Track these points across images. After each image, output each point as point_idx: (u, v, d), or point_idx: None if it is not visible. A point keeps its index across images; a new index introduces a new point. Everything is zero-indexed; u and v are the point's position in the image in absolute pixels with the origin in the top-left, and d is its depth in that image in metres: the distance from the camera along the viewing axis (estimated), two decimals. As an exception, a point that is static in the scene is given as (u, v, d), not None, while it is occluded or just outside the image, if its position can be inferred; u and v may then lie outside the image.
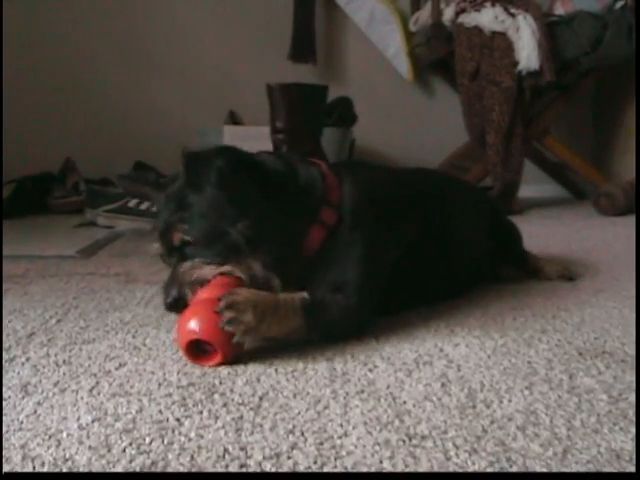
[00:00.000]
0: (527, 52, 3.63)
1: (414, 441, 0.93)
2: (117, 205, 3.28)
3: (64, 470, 0.86)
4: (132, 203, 3.26)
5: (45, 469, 0.86)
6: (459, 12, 3.86)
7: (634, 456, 0.89)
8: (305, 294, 1.31)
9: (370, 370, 1.21)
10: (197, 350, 1.22)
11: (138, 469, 0.86)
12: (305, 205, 1.43)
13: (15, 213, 3.59)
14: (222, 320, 1.19)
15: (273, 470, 0.85)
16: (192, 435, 0.95)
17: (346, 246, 1.41)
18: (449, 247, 1.71)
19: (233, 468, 0.86)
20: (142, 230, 3.15)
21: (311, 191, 1.45)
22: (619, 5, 3.91)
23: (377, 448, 0.91)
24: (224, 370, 1.21)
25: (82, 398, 1.09)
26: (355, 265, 1.41)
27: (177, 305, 1.32)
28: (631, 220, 3.45)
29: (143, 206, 3.24)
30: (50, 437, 0.95)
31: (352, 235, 1.43)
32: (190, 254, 1.34)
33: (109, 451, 0.90)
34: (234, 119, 4.36)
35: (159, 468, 0.86)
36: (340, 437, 0.94)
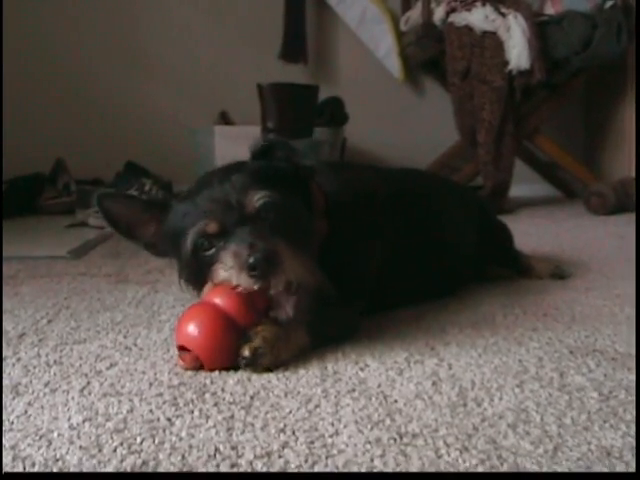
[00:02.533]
0: (518, 51, 3.64)
1: (405, 439, 0.93)
2: (108, 205, 3.27)
3: (54, 470, 0.86)
4: (123, 203, 3.25)
5: (36, 469, 0.86)
6: (450, 11, 3.87)
7: (624, 453, 0.89)
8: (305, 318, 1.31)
9: (361, 369, 1.21)
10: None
11: (129, 469, 0.86)
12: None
13: (6, 214, 3.58)
14: (241, 360, 1.20)
15: (264, 469, 0.85)
16: (183, 434, 0.95)
17: (338, 256, 1.40)
18: (436, 246, 1.72)
19: (224, 467, 0.86)
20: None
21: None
22: (609, 5, 3.93)
23: (368, 447, 0.91)
24: (215, 370, 1.21)
25: (73, 398, 1.09)
26: (350, 273, 1.42)
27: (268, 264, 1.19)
28: (621, 219, 3.47)
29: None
30: (41, 437, 0.94)
31: (343, 245, 1.43)
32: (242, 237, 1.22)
33: (100, 451, 0.90)
34: (225, 119, 4.36)
35: (150, 468, 0.86)
36: (331, 436, 0.94)
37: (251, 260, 1.16)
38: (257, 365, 1.20)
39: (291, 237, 1.24)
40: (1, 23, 4.36)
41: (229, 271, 1.20)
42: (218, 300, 1.23)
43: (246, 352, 1.20)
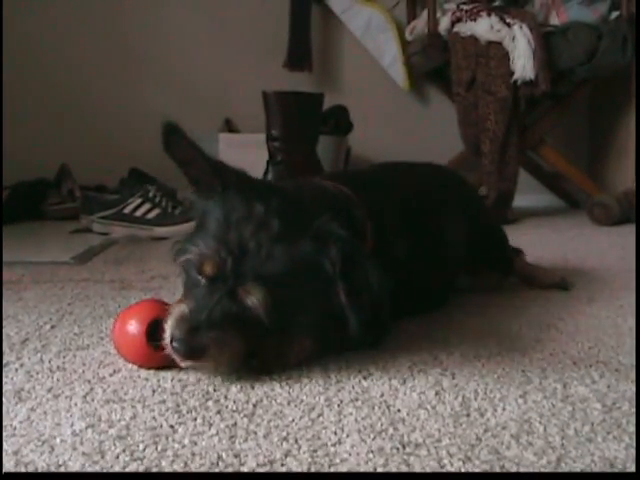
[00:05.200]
0: (523, 62, 3.64)
1: (408, 449, 0.93)
2: (112, 212, 3.28)
3: (57, 476, 0.86)
4: (127, 209, 3.26)
5: (38, 475, 0.86)
6: (455, 21, 3.88)
7: (627, 465, 0.89)
8: None
9: (364, 378, 1.21)
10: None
11: (131, 476, 0.86)
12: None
13: (10, 219, 3.58)
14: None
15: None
16: (186, 442, 0.95)
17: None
18: (437, 255, 1.71)
19: (227, 475, 0.86)
20: (137, 237, 3.15)
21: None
22: (614, 16, 3.93)
23: (371, 456, 0.91)
24: (218, 377, 1.21)
25: (76, 404, 1.09)
26: (377, 287, 1.41)
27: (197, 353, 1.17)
28: (625, 230, 3.46)
29: (138, 212, 3.24)
30: (43, 443, 0.94)
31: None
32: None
33: (102, 457, 0.90)
34: (230, 126, 4.36)
35: (153, 475, 0.86)
36: (334, 445, 0.94)
37: (174, 344, 1.16)
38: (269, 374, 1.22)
39: (250, 331, 1.20)
40: (2, 28, 4.37)
41: (169, 325, 1.19)
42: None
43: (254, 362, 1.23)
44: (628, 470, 0.88)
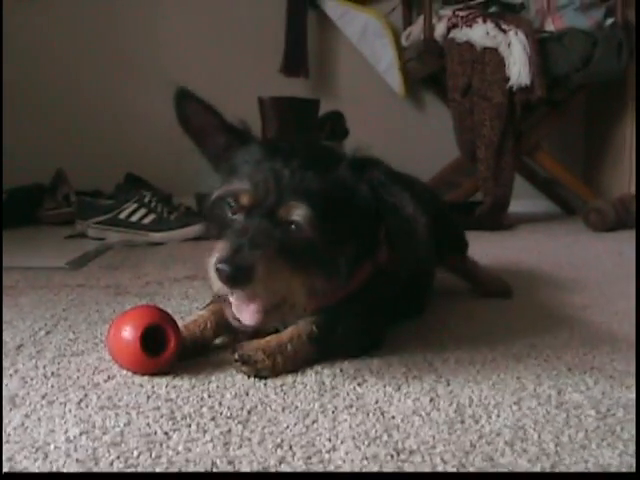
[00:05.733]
0: (518, 68, 3.65)
1: (402, 456, 0.93)
2: (108, 217, 3.28)
3: (51, 483, 0.86)
4: (123, 215, 3.26)
5: (32, 482, 0.86)
6: (451, 27, 3.89)
7: (621, 471, 0.89)
8: (310, 324, 1.31)
9: (359, 384, 1.21)
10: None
11: (125, 482, 0.86)
12: (374, 239, 1.38)
13: (5, 224, 3.58)
14: (237, 365, 1.25)
15: (261, 484, 0.86)
16: (180, 449, 0.95)
17: (381, 287, 1.40)
18: None
19: (221, 482, 0.86)
20: (133, 242, 3.14)
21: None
22: (609, 22, 3.95)
23: (365, 462, 0.91)
24: (213, 383, 1.21)
25: (70, 411, 1.08)
26: (381, 298, 1.42)
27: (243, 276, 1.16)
28: (620, 236, 3.47)
29: (134, 218, 3.24)
30: (37, 450, 0.94)
31: (392, 276, 1.43)
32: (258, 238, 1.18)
33: (96, 464, 0.90)
34: (226, 132, 4.36)
35: (147, 481, 0.86)
36: (328, 451, 0.94)
37: (219, 265, 1.15)
38: (251, 366, 1.23)
39: (300, 258, 1.21)
40: (1, 34, 4.37)
41: (210, 265, 1.19)
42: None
43: (235, 355, 1.24)
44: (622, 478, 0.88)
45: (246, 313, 1.23)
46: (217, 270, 1.16)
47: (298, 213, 1.18)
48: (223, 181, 1.30)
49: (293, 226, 1.19)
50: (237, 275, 1.15)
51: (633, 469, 0.90)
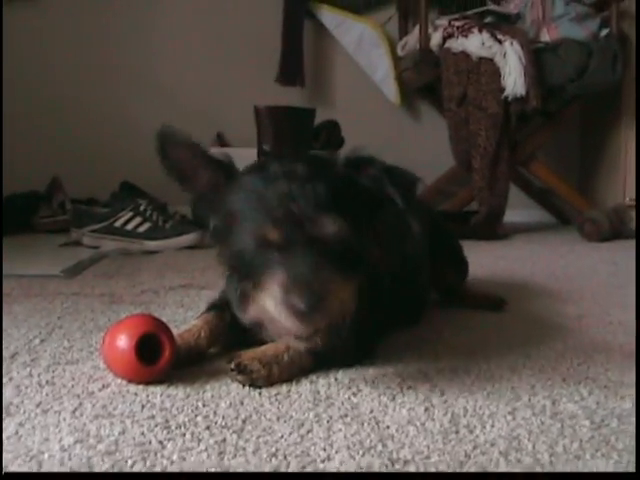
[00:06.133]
0: (513, 78, 3.67)
1: (397, 466, 0.93)
2: (103, 225, 3.28)
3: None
4: (118, 223, 3.26)
5: (26, 491, 0.86)
6: (446, 37, 3.90)
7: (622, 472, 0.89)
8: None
9: (354, 394, 1.21)
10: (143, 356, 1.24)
11: (120, 492, 0.86)
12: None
13: (1, 231, 3.57)
14: (232, 374, 1.25)
15: (255, 494, 0.85)
16: (175, 458, 0.94)
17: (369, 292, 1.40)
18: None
19: (215, 491, 0.86)
20: (128, 250, 3.14)
21: None
22: (604, 33, 3.96)
23: (360, 472, 0.91)
24: (208, 392, 1.21)
25: (65, 419, 1.08)
26: (371, 308, 1.41)
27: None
28: (615, 246, 3.48)
29: (129, 226, 3.24)
30: (31, 459, 0.94)
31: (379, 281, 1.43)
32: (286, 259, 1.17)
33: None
34: (221, 141, 4.37)
35: (141, 491, 0.86)
36: (323, 461, 0.94)
37: (302, 306, 1.12)
38: (247, 375, 1.23)
39: (345, 269, 1.20)
40: (1, 41, 4.37)
41: (276, 304, 1.15)
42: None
43: (231, 365, 1.24)
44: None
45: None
46: (296, 310, 1.13)
47: (332, 227, 1.18)
48: (226, 224, 1.27)
49: (331, 240, 1.18)
50: (316, 310, 1.13)
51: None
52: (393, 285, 1.52)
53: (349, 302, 1.22)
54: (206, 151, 1.30)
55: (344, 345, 1.33)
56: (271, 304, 1.16)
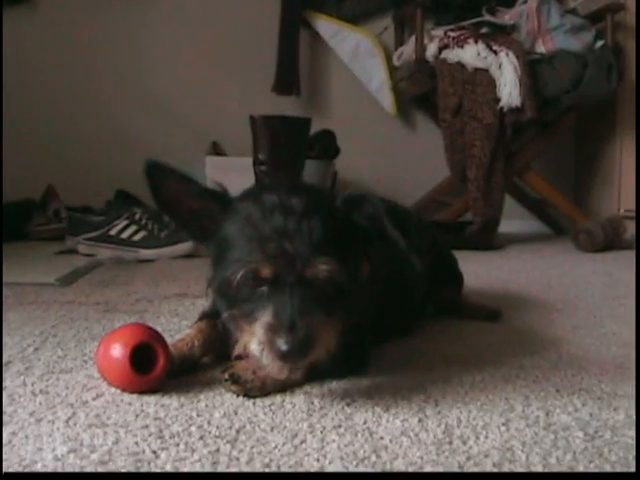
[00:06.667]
0: (509, 89, 3.68)
1: (387, 472, 0.93)
2: (98, 233, 3.27)
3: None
4: (113, 231, 3.25)
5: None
6: (442, 48, 3.91)
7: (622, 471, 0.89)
8: None
9: (348, 404, 1.21)
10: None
11: (113, 502, 0.85)
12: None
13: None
14: (226, 384, 1.25)
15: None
16: (168, 468, 0.94)
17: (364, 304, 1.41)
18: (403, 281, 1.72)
19: (208, 502, 0.86)
20: (123, 259, 3.14)
21: None
22: (599, 45, 3.97)
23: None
24: (202, 402, 1.21)
25: (58, 429, 1.08)
26: (363, 321, 1.41)
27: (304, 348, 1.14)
28: (609, 257, 3.48)
29: (124, 235, 3.23)
30: (25, 468, 0.94)
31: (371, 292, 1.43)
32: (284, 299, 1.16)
33: (84, 483, 0.90)
34: (217, 150, 4.37)
35: (134, 501, 0.86)
36: (317, 471, 0.94)
37: (284, 348, 1.11)
38: (241, 386, 1.23)
39: (335, 309, 1.20)
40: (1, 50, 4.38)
41: (259, 344, 1.15)
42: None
43: (225, 375, 1.25)
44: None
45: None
46: (280, 353, 1.12)
47: (325, 269, 1.17)
48: (219, 253, 1.26)
49: (322, 282, 1.18)
50: (302, 352, 1.13)
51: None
52: (387, 298, 1.52)
53: (335, 340, 1.20)
54: (198, 182, 1.29)
55: (337, 358, 1.33)
56: (254, 343, 1.16)
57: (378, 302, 1.50)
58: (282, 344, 1.11)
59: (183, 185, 1.29)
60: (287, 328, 1.12)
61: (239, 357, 1.24)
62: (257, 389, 1.24)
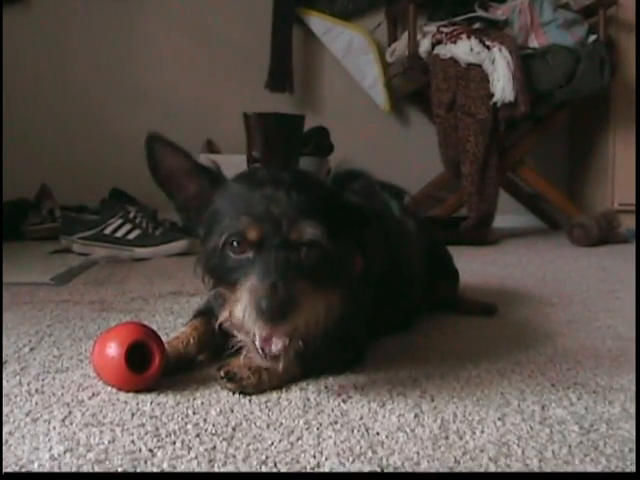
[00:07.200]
0: (502, 84, 3.68)
1: (387, 472, 0.93)
2: (93, 232, 3.27)
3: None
4: (108, 230, 3.25)
5: (16, 500, 0.85)
6: (435, 44, 3.92)
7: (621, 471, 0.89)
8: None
9: (344, 401, 1.21)
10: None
11: (110, 500, 0.85)
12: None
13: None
14: (222, 382, 1.25)
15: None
16: (165, 466, 0.94)
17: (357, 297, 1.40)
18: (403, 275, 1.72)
19: (205, 499, 0.86)
20: (118, 258, 3.14)
21: None
22: (592, 39, 3.98)
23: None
24: (198, 400, 1.21)
25: (54, 428, 1.08)
26: (357, 313, 1.42)
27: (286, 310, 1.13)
28: (604, 251, 3.49)
29: (119, 234, 3.23)
30: (21, 468, 0.93)
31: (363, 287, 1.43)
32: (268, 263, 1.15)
33: (81, 482, 0.90)
34: (211, 147, 4.37)
35: (131, 499, 0.86)
36: (313, 468, 0.94)
37: (263, 305, 1.11)
38: (237, 383, 1.23)
39: (321, 279, 1.19)
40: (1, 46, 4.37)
41: (243, 307, 1.14)
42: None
43: (221, 372, 1.24)
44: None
45: (275, 344, 1.19)
46: (261, 312, 1.11)
47: (311, 232, 1.17)
48: (208, 227, 1.26)
49: (307, 247, 1.18)
50: (284, 313, 1.12)
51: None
52: (384, 292, 1.52)
53: (325, 312, 1.21)
54: (194, 158, 1.31)
55: (332, 352, 1.33)
56: (238, 307, 1.16)
57: (374, 296, 1.50)
58: (261, 301, 1.11)
59: (179, 160, 1.30)
60: (268, 288, 1.12)
61: (222, 325, 1.24)
62: (253, 386, 1.24)
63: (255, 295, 1.12)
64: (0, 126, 4.32)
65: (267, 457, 0.97)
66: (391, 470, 0.93)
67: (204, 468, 0.94)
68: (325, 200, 1.24)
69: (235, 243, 1.18)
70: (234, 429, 1.08)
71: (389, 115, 4.84)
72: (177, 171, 1.31)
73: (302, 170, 1.37)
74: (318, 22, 4.69)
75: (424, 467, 0.94)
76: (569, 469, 0.94)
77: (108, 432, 1.06)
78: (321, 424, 1.10)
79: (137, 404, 1.19)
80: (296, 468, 0.94)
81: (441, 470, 0.93)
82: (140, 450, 0.99)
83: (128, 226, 3.25)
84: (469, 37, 3.83)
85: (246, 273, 1.17)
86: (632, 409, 1.18)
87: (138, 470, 0.93)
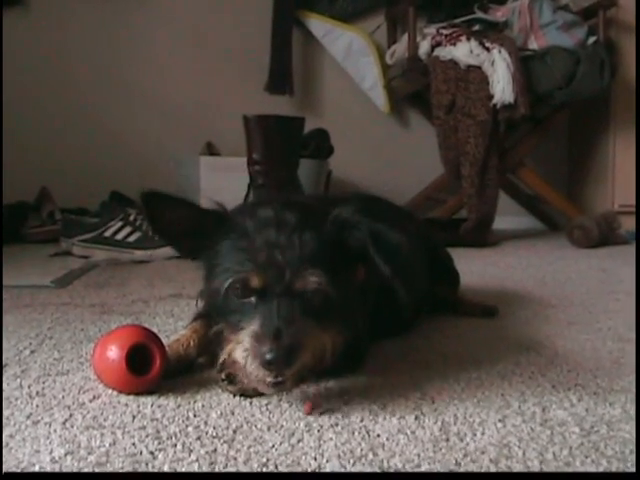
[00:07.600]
0: (502, 85, 3.68)
1: (387, 473, 0.93)
2: (93, 235, 3.27)
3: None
4: (108, 233, 3.25)
5: (17, 503, 0.85)
6: (435, 45, 3.92)
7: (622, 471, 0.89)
8: None
9: (344, 403, 1.21)
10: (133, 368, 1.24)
11: (111, 503, 0.85)
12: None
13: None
14: (223, 384, 1.25)
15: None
16: (165, 468, 0.94)
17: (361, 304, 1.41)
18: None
19: (206, 502, 0.86)
20: (118, 260, 3.14)
21: None
22: (591, 41, 3.98)
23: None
24: (198, 403, 1.21)
25: (55, 431, 1.08)
26: (359, 325, 1.41)
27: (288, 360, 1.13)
28: (604, 252, 3.49)
29: (119, 236, 3.23)
30: (22, 471, 0.93)
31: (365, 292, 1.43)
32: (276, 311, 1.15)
33: (82, 485, 0.90)
34: (211, 150, 4.37)
35: (132, 502, 0.86)
36: (314, 470, 0.94)
37: (268, 356, 1.10)
38: (237, 385, 1.23)
39: (325, 319, 1.20)
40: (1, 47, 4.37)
41: (244, 351, 1.15)
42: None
43: (222, 375, 1.24)
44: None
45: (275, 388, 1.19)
46: (267, 364, 1.11)
47: (314, 281, 1.17)
48: (212, 267, 1.27)
49: (311, 293, 1.18)
50: (289, 360, 1.12)
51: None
52: (384, 297, 1.52)
53: (331, 348, 1.22)
54: (195, 204, 1.30)
55: (336, 362, 1.33)
56: (239, 350, 1.16)
57: (374, 301, 1.50)
58: (266, 352, 1.11)
59: (180, 211, 1.30)
60: (272, 336, 1.11)
61: (223, 365, 1.24)
62: (253, 389, 1.24)
63: (257, 342, 1.13)
64: (0, 129, 4.32)
65: (268, 459, 0.97)
66: (392, 472, 0.93)
67: (205, 470, 0.94)
68: (328, 242, 1.23)
69: (238, 288, 1.19)
70: (235, 431, 1.08)
71: (389, 117, 4.85)
72: (179, 220, 1.30)
73: (306, 204, 1.35)
74: (318, 24, 4.69)
75: (425, 469, 0.94)
76: (570, 470, 0.94)
77: (109, 435, 1.06)
78: (322, 426, 1.10)
79: (138, 407, 1.19)
80: (297, 470, 0.94)
81: (442, 472, 0.93)
82: (141, 453, 0.99)
83: (128, 229, 3.26)
84: (469, 39, 3.83)
85: (248, 317, 1.17)
86: (632, 411, 1.18)
87: (139, 473, 0.93)
